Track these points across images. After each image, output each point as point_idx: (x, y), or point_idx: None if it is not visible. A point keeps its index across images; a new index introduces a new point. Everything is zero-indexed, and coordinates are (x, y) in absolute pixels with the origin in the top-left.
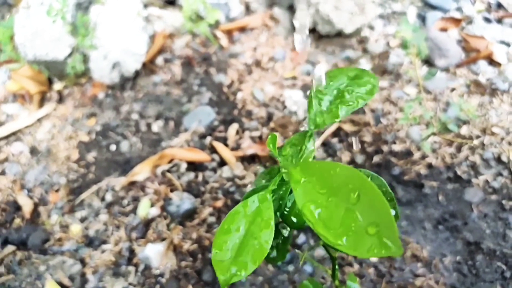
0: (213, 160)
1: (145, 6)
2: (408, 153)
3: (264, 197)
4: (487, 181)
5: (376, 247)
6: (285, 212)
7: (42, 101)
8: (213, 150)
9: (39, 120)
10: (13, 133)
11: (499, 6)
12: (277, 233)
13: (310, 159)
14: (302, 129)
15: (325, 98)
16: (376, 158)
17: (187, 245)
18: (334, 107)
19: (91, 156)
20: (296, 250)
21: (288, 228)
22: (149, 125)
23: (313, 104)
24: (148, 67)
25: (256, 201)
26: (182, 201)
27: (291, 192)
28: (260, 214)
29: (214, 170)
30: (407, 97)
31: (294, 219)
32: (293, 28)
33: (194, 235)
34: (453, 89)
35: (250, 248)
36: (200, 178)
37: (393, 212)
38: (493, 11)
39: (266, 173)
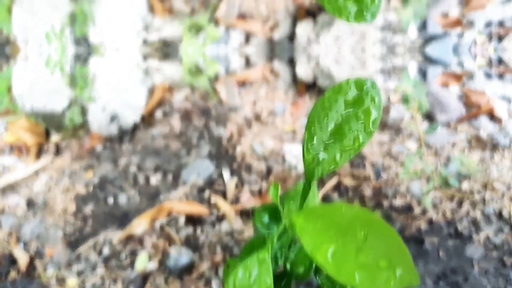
0: (212, 213)
1: (145, 57)
2: (408, 208)
3: (263, 259)
4: (488, 237)
5: (392, 279)
6: (288, 264)
7: (39, 153)
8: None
9: (36, 172)
10: (10, 185)
11: (500, 61)
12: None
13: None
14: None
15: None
16: (377, 213)
17: None
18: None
19: (88, 209)
20: None
21: None
22: (147, 178)
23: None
24: (147, 119)
25: (255, 263)
26: (180, 256)
27: (293, 242)
28: (258, 279)
29: (213, 224)
30: (408, 152)
31: (301, 269)
32: (293, 82)
33: None
34: (454, 144)
35: None
36: (198, 232)
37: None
38: (494, 66)
39: (265, 209)
